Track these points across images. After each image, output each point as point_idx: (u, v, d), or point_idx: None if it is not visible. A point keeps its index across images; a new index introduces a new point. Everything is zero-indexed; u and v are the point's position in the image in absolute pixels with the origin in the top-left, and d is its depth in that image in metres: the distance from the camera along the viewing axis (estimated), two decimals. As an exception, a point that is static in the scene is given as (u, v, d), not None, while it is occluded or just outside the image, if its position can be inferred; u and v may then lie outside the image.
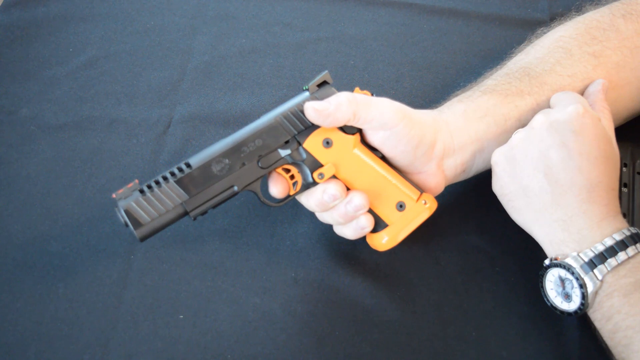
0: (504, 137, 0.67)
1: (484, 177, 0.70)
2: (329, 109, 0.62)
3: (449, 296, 0.66)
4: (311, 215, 0.69)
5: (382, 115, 0.62)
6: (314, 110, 0.62)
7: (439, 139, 0.65)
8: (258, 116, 0.64)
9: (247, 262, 0.68)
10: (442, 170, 0.66)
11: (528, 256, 0.67)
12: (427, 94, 0.81)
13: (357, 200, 0.63)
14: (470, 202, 0.72)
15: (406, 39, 0.87)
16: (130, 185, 0.60)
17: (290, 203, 0.71)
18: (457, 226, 0.71)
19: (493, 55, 0.81)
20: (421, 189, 0.65)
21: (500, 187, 0.64)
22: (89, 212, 0.71)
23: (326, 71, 0.65)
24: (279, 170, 0.64)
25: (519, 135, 0.63)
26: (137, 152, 0.76)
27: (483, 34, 0.87)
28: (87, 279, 0.67)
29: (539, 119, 0.63)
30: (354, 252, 0.68)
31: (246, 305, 0.65)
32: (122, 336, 0.63)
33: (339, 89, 0.65)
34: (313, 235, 0.70)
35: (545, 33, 0.74)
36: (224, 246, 0.69)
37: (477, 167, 0.68)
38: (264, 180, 0.65)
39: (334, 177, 0.64)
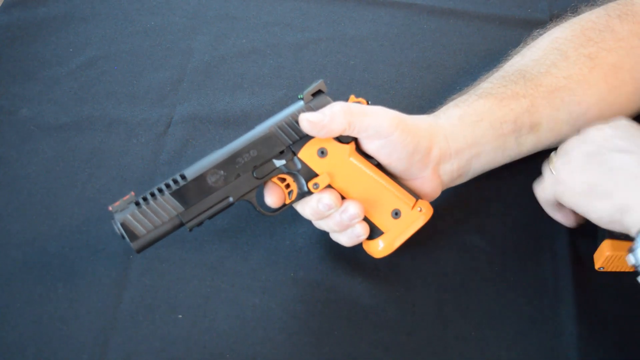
0: (500, 141, 0.67)
1: (484, 177, 0.70)
2: (324, 121, 0.62)
3: (449, 296, 0.66)
4: (311, 215, 0.69)
5: (378, 125, 0.62)
6: (308, 122, 0.62)
7: (435, 145, 0.64)
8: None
9: (246, 262, 0.68)
10: (438, 175, 0.66)
11: (528, 256, 0.67)
12: (427, 94, 0.81)
13: (352, 209, 0.62)
14: (470, 202, 0.72)
15: (406, 39, 0.87)
16: (127, 197, 0.61)
17: (289, 203, 0.71)
18: (457, 226, 0.71)
19: (493, 56, 0.81)
20: (417, 196, 0.65)
21: (582, 175, 0.60)
22: (88, 212, 0.71)
23: (321, 80, 0.65)
24: (275, 179, 0.64)
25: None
26: (137, 152, 0.76)
27: (483, 34, 0.87)
28: (86, 278, 0.67)
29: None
30: (354, 252, 0.68)
31: (245, 305, 0.65)
32: (121, 336, 0.63)
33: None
34: (312, 235, 0.70)
35: (541, 34, 0.74)
36: (223, 246, 0.69)
37: (474, 171, 0.68)
38: (260, 189, 0.65)
39: (329, 186, 0.64)
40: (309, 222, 0.70)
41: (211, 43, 0.87)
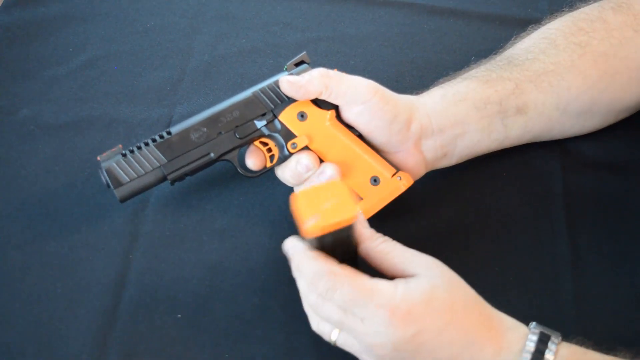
0: (485, 122, 0.67)
1: (484, 177, 0.70)
2: (301, 82, 0.64)
3: (449, 296, 0.66)
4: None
5: (355, 89, 0.64)
6: (287, 82, 0.65)
7: (415, 118, 0.65)
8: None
9: (245, 261, 0.68)
10: (420, 151, 0.66)
11: (528, 256, 0.67)
12: (427, 94, 0.81)
13: (329, 171, 0.64)
14: (470, 201, 0.72)
15: (406, 39, 0.87)
16: (114, 149, 0.64)
17: (289, 203, 0.71)
18: (456, 225, 0.71)
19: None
20: (397, 167, 0.66)
21: None
22: (87, 212, 0.71)
23: (304, 52, 0.68)
24: (257, 143, 0.67)
25: None
26: (137, 152, 0.76)
27: (483, 34, 0.87)
28: (85, 278, 0.67)
29: None
30: (353, 251, 0.68)
31: (244, 304, 0.65)
32: (120, 336, 0.63)
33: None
34: (312, 235, 0.70)
35: (535, 30, 0.74)
36: (222, 246, 0.69)
37: (460, 153, 0.68)
38: (242, 156, 0.67)
39: (308, 148, 0.66)
40: (308, 222, 0.70)
41: (211, 43, 0.87)
